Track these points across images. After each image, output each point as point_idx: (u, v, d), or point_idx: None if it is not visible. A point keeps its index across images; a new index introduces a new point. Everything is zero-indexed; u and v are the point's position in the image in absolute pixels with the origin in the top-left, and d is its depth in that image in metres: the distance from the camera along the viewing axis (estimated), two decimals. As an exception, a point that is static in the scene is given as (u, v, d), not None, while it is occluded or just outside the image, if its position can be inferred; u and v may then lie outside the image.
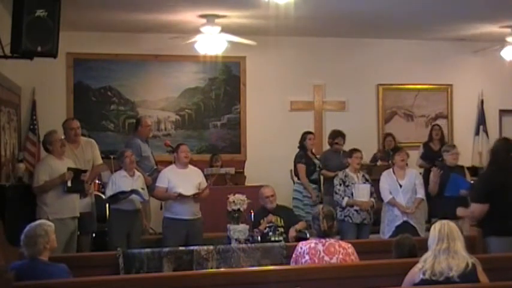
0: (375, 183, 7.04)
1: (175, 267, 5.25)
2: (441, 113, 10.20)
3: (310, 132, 8.04)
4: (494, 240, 5.20)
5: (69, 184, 6.11)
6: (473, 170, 8.34)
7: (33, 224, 4.29)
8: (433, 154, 8.31)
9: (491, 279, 3.96)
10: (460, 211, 5.67)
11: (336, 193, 7.02)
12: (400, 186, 6.79)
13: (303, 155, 7.83)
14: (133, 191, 6.49)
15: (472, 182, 6.65)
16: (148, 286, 4.34)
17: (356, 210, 6.92)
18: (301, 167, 7.78)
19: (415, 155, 8.69)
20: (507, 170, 5.24)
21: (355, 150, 7.17)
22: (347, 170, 7.07)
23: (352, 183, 6.95)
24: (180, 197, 6.45)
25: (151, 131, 8.37)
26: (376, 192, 7.01)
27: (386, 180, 6.87)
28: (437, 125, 9.47)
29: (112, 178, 6.65)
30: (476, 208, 5.27)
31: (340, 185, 6.99)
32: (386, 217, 6.87)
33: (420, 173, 7.55)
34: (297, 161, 7.86)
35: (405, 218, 6.70)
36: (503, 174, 5.23)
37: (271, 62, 9.55)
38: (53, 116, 8.19)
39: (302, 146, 7.89)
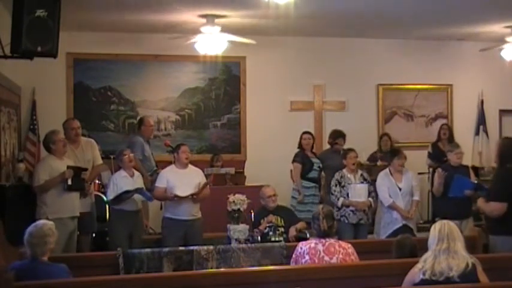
0: (375, 183, 7.01)
1: (175, 267, 5.25)
2: (441, 113, 10.18)
3: (305, 132, 8.08)
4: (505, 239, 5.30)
5: (69, 182, 6.12)
6: (473, 170, 8.32)
7: (38, 224, 4.28)
8: (442, 154, 8.26)
9: (491, 279, 3.96)
10: (480, 202, 5.68)
11: (332, 194, 7.01)
12: (400, 189, 6.77)
13: (300, 154, 7.86)
14: (137, 190, 6.47)
15: (476, 181, 6.71)
16: (148, 286, 4.34)
17: (352, 211, 6.89)
18: (295, 166, 7.84)
19: (414, 156, 8.66)
20: None
21: (349, 150, 7.16)
22: (343, 170, 7.05)
23: (349, 184, 6.93)
24: (177, 198, 6.43)
25: (153, 131, 8.36)
26: (374, 192, 6.99)
27: (385, 182, 6.84)
28: (446, 124, 9.48)
29: (112, 179, 6.60)
30: (496, 206, 5.35)
31: (336, 185, 6.97)
32: (383, 219, 6.87)
33: (419, 173, 7.54)
34: (293, 159, 7.89)
35: (404, 222, 6.69)
36: None
37: (271, 62, 9.54)
38: (53, 116, 8.18)
39: (300, 145, 7.94)
